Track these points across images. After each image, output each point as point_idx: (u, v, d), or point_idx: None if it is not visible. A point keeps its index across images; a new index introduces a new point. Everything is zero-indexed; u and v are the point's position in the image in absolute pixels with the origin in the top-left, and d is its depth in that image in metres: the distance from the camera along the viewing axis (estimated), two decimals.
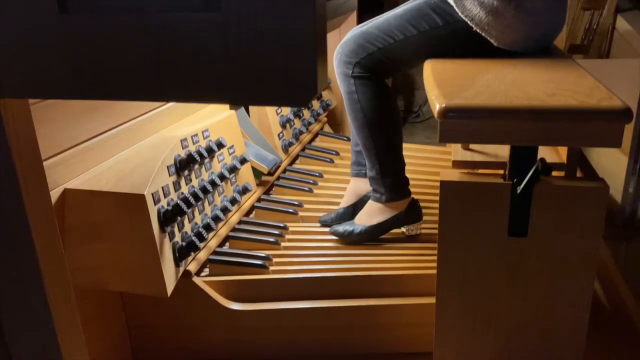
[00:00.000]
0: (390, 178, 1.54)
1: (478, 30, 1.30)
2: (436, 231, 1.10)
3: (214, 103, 1.57)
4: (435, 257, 1.14)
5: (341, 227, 1.59)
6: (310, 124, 2.21)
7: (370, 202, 1.60)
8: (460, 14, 1.31)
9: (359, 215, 1.61)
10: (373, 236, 1.58)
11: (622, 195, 1.82)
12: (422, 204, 1.69)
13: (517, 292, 1.11)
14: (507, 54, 1.33)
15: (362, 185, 1.68)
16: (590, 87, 1.07)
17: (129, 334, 1.39)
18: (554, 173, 1.08)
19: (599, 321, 1.42)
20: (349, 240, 1.57)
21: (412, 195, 1.59)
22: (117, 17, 0.56)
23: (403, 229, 1.60)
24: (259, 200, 1.74)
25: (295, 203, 1.74)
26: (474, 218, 1.06)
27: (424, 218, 1.67)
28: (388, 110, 1.50)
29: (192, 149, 1.38)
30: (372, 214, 1.58)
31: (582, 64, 1.28)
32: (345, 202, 1.71)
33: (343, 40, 1.49)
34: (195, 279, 1.31)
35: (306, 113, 2.20)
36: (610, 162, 1.97)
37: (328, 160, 2.07)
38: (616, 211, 1.84)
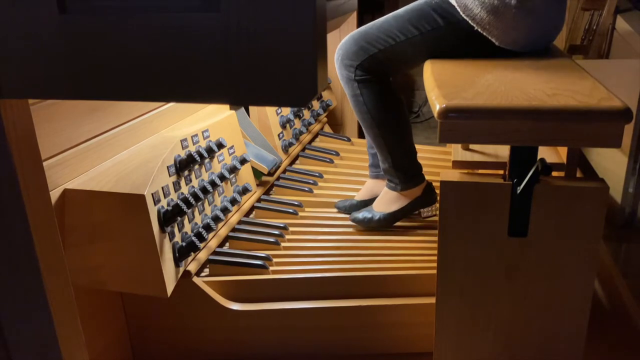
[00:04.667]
0: (403, 169, 1.57)
1: (479, 30, 1.31)
2: (436, 231, 1.10)
3: (213, 103, 1.57)
4: (435, 257, 1.14)
5: (360, 215, 1.64)
6: (310, 124, 2.21)
7: (386, 189, 1.63)
8: (461, 13, 1.31)
9: (377, 202, 1.65)
10: (391, 222, 1.63)
11: (622, 195, 1.82)
12: None
13: (517, 292, 1.11)
14: (508, 54, 1.33)
15: (379, 188, 1.71)
16: (590, 88, 1.07)
17: (129, 334, 1.38)
18: (554, 173, 1.08)
19: (599, 321, 1.42)
20: (368, 226, 1.63)
21: (426, 179, 1.62)
22: (116, 17, 0.56)
23: (420, 212, 1.65)
24: (259, 200, 1.74)
25: (295, 203, 1.74)
26: (474, 218, 1.06)
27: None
28: (394, 107, 1.52)
29: (192, 149, 1.38)
30: (389, 202, 1.62)
31: (582, 64, 1.28)
32: (360, 195, 1.75)
33: (343, 42, 1.49)
34: (195, 279, 1.31)
35: (306, 113, 2.20)
36: (610, 162, 1.97)
37: (328, 160, 2.07)
38: (616, 211, 1.84)
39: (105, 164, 1.24)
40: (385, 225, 1.62)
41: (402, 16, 1.41)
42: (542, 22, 1.31)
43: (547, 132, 0.97)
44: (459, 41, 1.36)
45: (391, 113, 1.51)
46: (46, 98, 1.01)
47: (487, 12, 1.28)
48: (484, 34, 1.31)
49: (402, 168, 1.57)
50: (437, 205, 1.63)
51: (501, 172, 1.15)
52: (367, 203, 1.70)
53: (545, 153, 1.47)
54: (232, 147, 1.59)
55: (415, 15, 1.38)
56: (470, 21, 1.31)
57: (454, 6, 1.33)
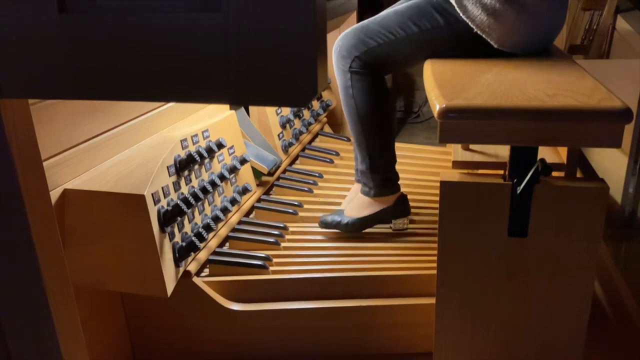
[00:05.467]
0: (379, 174, 1.55)
1: (479, 32, 1.30)
2: (436, 231, 1.10)
3: (213, 103, 1.57)
4: (435, 257, 1.14)
5: (329, 217, 1.62)
6: (310, 124, 2.21)
7: (359, 195, 1.61)
8: (461, 15, 1.31)
9: (348, 207, 1.63)
10: (359, 228, 1.60)
11: (622, 195, 1.82)
12: (421, 205, 1.69)
13: (517, 292, 1.11)
14: (507, 55, 1.33)
15: None
16: (590, 88, 1.06)
17: (129, 334, 1.38)
18: (554, 173, 1.08)
19: (599, 321, 1.42)
20: (336, 230, 1.61)
21: (401, 191, 1.60)
22: (116, 17, 0.56)
23: (390, 225, 1.62)
24: (259, 200, 1.74)
25: (295, 203, 1.74)
26: (474, 218, 1.06)
27: (425, 218, 1.67)
28: (382, 107, 1.50)
29: (192, 149, 1.38)
30: (360, 207, 1.60)
31: (582, 64, 1.28)
32: (346, 203, 1.71)
33: (343, 34, 1.48)
34: (195, 279, 1.31)
35: (306, 113, 2.20)
36: (610, 162, 1.97)
37: (328, 160, 2.07)
38: (616, 211, 1.84)
39: (105, 164, 1.24)
40: (354, 230, 1.59)
41: (403, 12, 1.40)
42: (543, 25, 1.31)
43: (547, 132, 0.97)
44: (458, 42, 1.36)
45: (378, 112, 1.49)
46: (46, 98, 1.01)
47: (488, 15, 1.27)
48: (484, 36, 1.30)
49: (378, 172, 1.55)
50: (410, 218, 1.62)
51: (501, 172, 1.15)
52: None
53: (545, 153, 1.47)
54: (232, 147, 1.59)
55: (416, 12, 1.38)
56: (470, 23, 1.30)
57: (454, 6, 1.33)
